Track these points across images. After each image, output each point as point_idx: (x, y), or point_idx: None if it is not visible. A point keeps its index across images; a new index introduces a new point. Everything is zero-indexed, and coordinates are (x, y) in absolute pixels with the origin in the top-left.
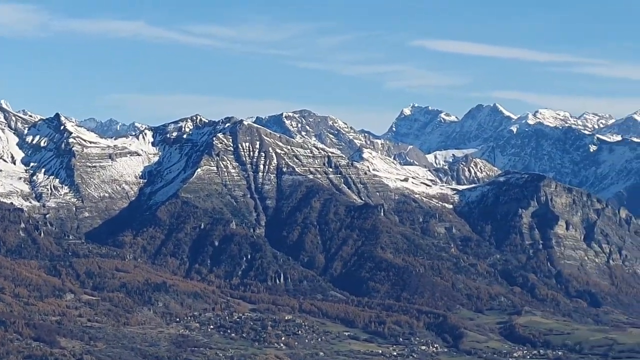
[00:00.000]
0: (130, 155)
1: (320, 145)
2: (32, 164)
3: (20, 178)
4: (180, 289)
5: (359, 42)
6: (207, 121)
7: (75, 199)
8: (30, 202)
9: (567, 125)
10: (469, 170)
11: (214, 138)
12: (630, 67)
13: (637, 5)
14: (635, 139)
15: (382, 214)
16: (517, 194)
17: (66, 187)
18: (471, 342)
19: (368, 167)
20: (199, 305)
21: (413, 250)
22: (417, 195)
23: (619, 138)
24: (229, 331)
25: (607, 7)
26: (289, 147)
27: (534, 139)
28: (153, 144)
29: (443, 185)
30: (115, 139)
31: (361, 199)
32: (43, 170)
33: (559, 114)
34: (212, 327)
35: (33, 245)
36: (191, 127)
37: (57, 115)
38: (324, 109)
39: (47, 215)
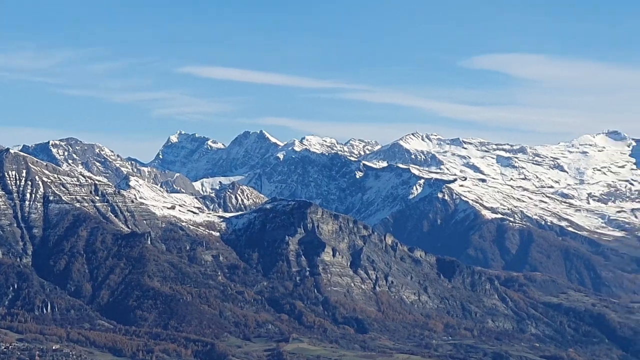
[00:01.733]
0: None
1: (87, 174)
2: None
3: None
4: None
5: (127, 69)
6: None
7: None
8: None
9: (333, 151)
10: (236, 198)
11: None
12: (395, 93)
13: (402, 30)
14: (401, 165)
15: (149, 242)
16: (284, 221)
17: None
18: None
19: (135, 195)
20: None
21: (180, 279)
22: (184, 223)
23: (384, 164)
24: None
25: (372, 33)
26: (55, 175)
27: (300, 165)
28: None
29: (210, 213)
30: None
31: (128, 227)
32: None
33: (325, 141)
34: None
35: None
36: None
37: None
38: (92, 136)
39: None
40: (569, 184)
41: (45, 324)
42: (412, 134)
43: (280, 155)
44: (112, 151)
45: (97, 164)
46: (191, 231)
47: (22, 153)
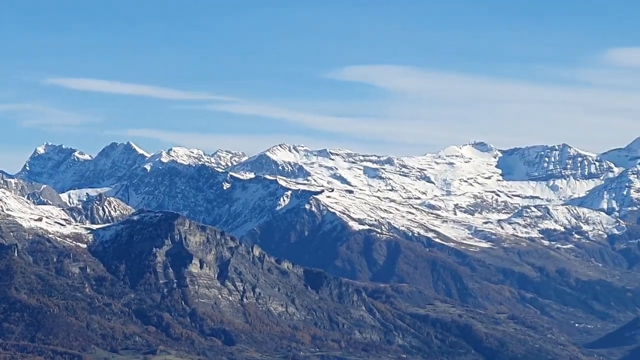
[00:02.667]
0: None
1: None
2: None
3: None
4: None
5: None
6: None
7: None
8: None
9: (200, 163)
10: (103, 209)
11: None
12: (262, 104)
13: (267, 43)
14: (268, 177)
15: (16, 254)
16: (151, 233)
17: None
18: None
19: (1, 207)
20: None
21: (47, 291)
22: (51, 235)
23: (252, 175)
24: None
25: (239, 46)
26: None
27: (167, 177)
28: None
29: (77, 225)
30: None
31: None
32: None
33: (192, 152)
34: None
35: None
36: None
37: None
38: None
39: None
40: (435, 195)
41: None
42: (279, 145)
43: (148, 167)
44: None
45: None
46: (58, 243)
47: None
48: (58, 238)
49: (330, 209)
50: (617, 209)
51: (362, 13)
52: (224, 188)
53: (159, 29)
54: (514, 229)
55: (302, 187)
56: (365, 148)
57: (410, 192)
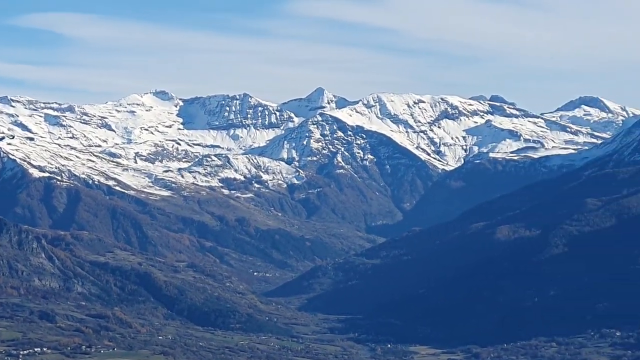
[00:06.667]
0: None
1: None
2: None
3: None
4: None
5: None
6: None
7: None
8: None
9: None
10: None
11: None
12: None
13: None
14: None
15: None
16: None
17: None
18: None
19: None
20: None
21: None
22: None
23: None
24: None
25: None
26: None
27: None
28: None
29: None
30: None
31: None
32: None
33: None
34: None
35: None
36: None
37: None
38: None
39: None
40: (116, 143)
41: None
42: None
43: None
44: None
45: None
46: None
47: None
48: None
49: (10, 156)
50: (297, 159)
51: None
52: None
53: None
54: (195, 177)
55: None
56: (48, 96)
57: (91, 140)
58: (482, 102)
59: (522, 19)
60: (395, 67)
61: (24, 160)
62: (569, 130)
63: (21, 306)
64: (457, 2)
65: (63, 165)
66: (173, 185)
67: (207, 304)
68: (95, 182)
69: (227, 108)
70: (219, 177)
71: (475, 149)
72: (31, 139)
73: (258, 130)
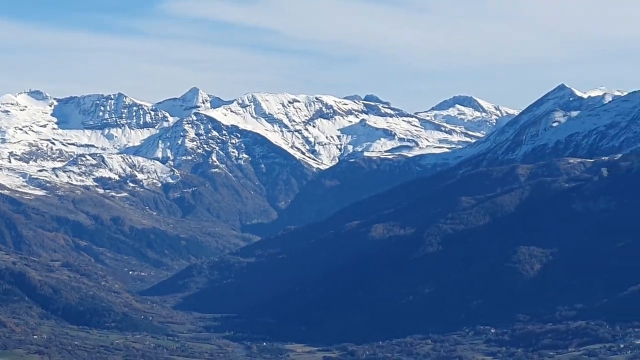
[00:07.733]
0: None
1: None
2: None
3: None
4: None
5: None
6: None
7: None
8: None
9: None
10: None
11: None
12: None
13: None
14: None
15: None
16: None
17: None
18: None
19: None
20: None
21: None
22: None
23: None
24: None
25: None
26: None
27: None
28: None
29: None
30: None
31: None
32: None
33: None
34: None
35: None
36: None
37: None
38: None
39: None
40: None
41: None
42: None
43: None
44: None
45: None
46: None
47: None
48: None
49: None
50: (172, 158)
51: None
52: None
53: None
54: (69, 177)
55: None
56: None
57: None
58: (356, 101)
59: (400, 20)
60: (271, 67)
61: None
62: (443, 129)
63: None
64: (335, 2)
65: None
66: (48, 184)
67: (82, 303)
68: None
69: (102, 108)
70: (93, 177)
71: (350, 148)
72: None
73: (133, 129)
